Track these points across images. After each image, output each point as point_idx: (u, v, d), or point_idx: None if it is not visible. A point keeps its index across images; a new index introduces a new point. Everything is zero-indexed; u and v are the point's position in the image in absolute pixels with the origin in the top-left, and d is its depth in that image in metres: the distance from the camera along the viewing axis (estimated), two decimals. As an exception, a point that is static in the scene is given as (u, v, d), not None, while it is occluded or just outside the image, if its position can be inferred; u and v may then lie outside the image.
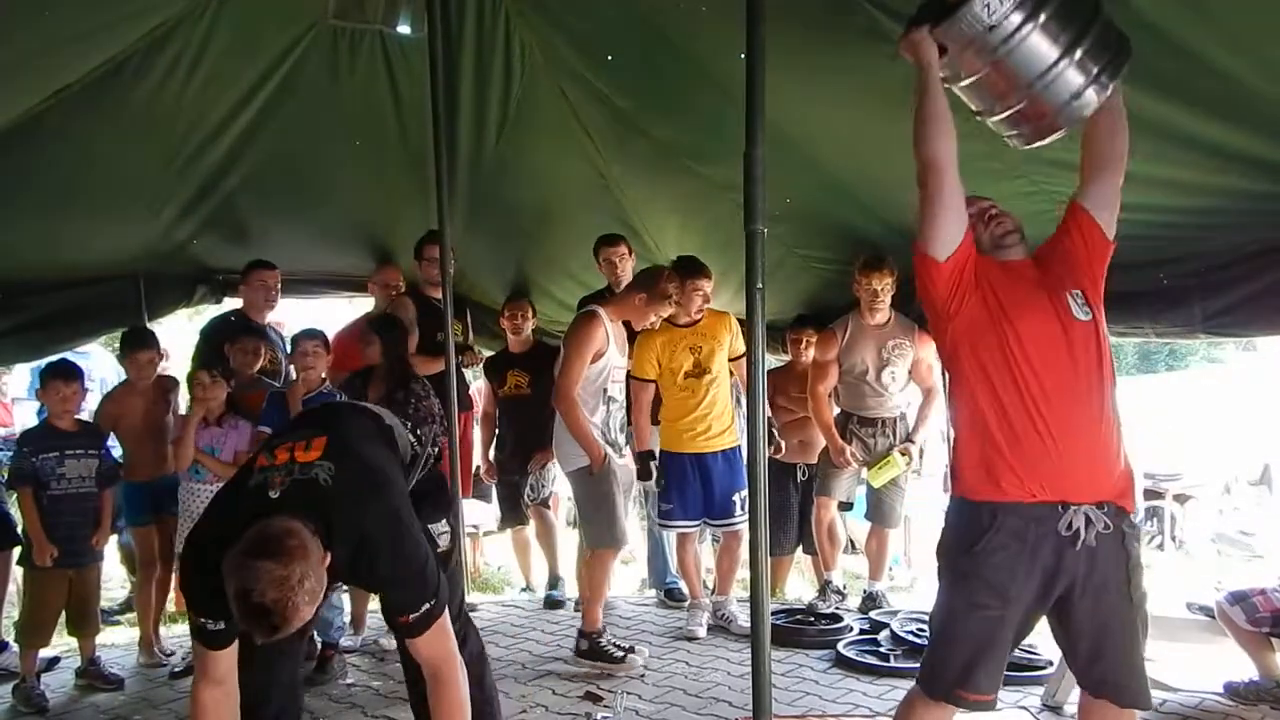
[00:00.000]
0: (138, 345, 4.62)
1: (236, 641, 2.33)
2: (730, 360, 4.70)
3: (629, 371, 4.59)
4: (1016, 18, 2.34)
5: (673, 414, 4.70)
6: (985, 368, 2.44)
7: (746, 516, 3.63)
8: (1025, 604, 2.41)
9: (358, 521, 2.28)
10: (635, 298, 4.30)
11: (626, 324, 4.44)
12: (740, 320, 4.66)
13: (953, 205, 2.46)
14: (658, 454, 4.70)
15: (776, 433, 4.85)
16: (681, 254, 4.78)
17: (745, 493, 4.31)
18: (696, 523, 4.81)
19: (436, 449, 3.03)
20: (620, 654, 4.25)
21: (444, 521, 2.90)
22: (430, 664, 2.45)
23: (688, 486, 4.66)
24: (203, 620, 2.31)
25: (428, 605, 2.36)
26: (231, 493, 2.44)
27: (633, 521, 5.99)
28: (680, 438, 4.67)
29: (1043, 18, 2.35)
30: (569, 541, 5.90)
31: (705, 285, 4.58)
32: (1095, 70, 2.43)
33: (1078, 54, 2.40)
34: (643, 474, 4.62)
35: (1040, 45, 2.39)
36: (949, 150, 2.43)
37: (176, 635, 4.98)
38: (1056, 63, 2.40)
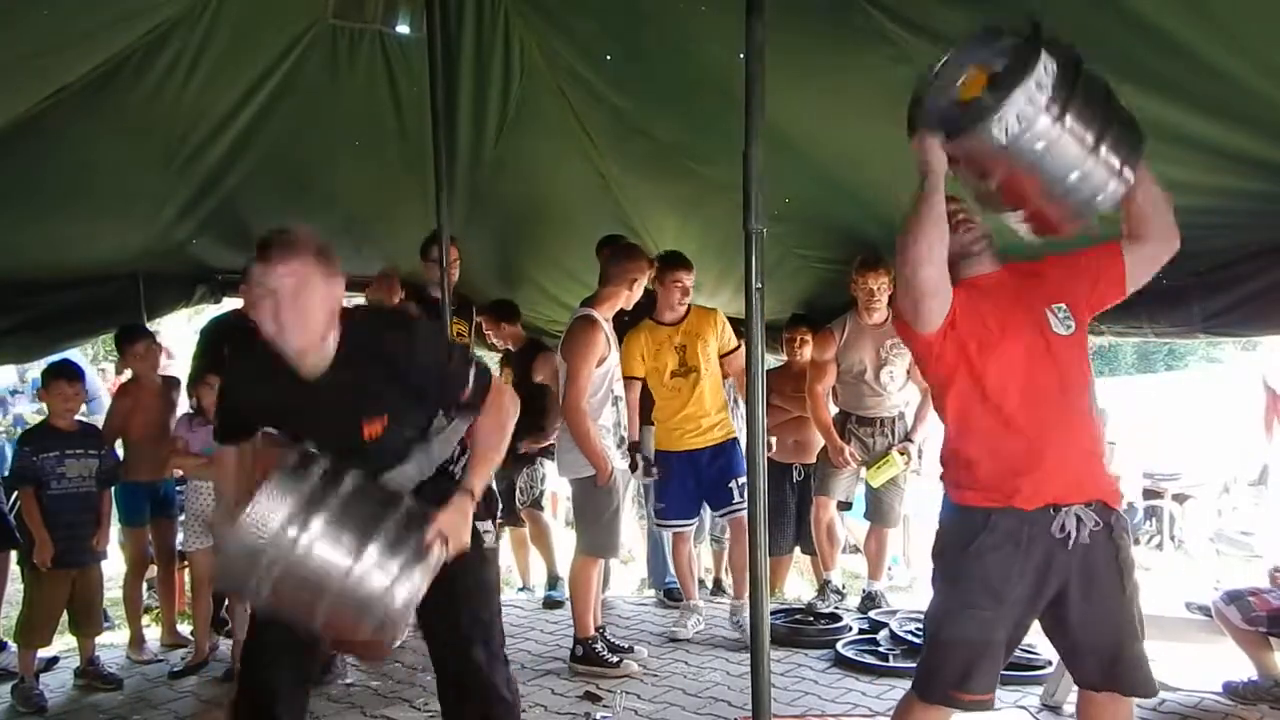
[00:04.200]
0: (133, 338, 4.65)
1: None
2: (722, 356, 4.63)
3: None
4: (1043, 124, 2.18)
5: (662, 414, 4.67)
6: (971, 391, 2.48)
7: (745, 502, 3.62)
8: (1019, 605, 2.44)
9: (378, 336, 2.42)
10: (626, 281, 4.25)
11: (616, 317, 4.40)
12: (732, 319, 4.65)
13: (940, 292, 2.42)
14: (651, 452, 4.65)
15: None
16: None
17: (743, 479, 4.28)
18: (691, 521, 4.80)
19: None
20: (615, 659, 4.26)
21: (489, 521, 2.89)
22: (493, 414, 2.52)
23: (679, 485, 4.64)
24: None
25: (472, 371, 2.45)
26: None
27: (632, 521, 5.99)
28: (670, 436, 4.64)
29: (1065, 124, 2.20)
30: (568, 541, 5.89)
31: (685, 278, 4.52)
32: (1118, 165, 2.30)
33: (1101, 152, 2.26)
34: (631, 465, 4.57)
35: (1061, 153, 2.24)
36: (943, 252, 2.39)
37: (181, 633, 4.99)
38: (1079, 167, 2.25)
